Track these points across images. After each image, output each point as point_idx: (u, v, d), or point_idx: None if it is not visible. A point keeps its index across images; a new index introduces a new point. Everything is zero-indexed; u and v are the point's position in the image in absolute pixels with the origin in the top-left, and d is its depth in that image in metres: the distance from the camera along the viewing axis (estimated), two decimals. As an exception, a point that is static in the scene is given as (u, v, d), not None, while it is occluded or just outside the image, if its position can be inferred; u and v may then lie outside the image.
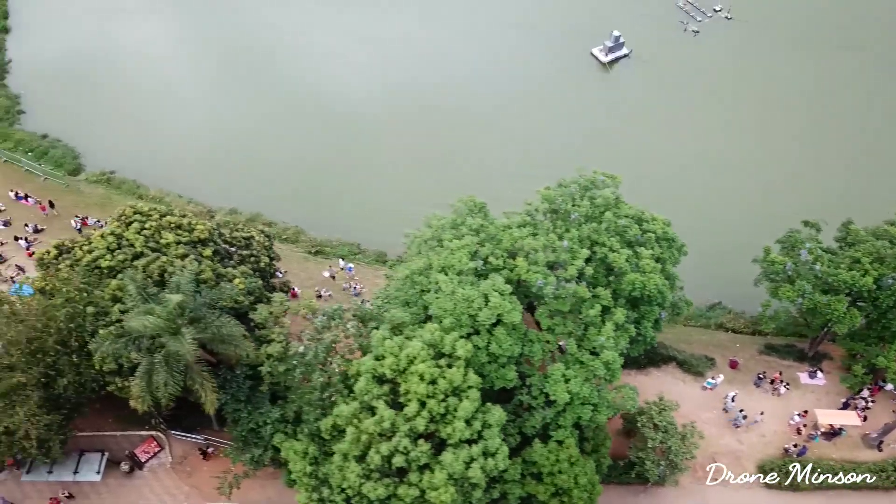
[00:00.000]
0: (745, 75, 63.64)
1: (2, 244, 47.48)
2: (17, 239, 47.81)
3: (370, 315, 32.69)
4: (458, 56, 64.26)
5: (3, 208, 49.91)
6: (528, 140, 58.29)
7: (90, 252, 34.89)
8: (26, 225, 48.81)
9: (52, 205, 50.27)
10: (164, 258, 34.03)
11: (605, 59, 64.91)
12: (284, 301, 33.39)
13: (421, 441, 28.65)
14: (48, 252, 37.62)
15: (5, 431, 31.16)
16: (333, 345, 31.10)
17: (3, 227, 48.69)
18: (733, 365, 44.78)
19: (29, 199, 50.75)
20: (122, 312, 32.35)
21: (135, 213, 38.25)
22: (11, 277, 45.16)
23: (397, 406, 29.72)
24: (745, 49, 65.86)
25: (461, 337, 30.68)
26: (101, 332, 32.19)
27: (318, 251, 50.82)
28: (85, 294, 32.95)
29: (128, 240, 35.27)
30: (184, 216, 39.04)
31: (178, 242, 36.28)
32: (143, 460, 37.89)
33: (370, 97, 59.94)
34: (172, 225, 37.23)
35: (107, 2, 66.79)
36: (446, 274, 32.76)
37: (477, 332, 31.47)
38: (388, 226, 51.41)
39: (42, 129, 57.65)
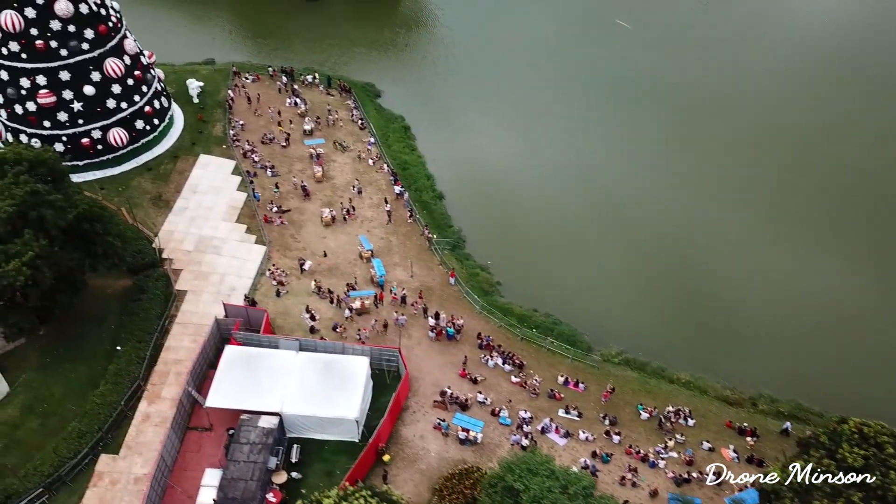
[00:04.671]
0: None
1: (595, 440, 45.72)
2: (607, 434, 45.90)
3: None
4: None
5: (562, 395, 48.39)
6: None
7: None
8: (604, 416, 47.04)
9: (613, 391, 48.69)
10: None
11: None
12: None
13: None
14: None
15: None
16: None
17: (577, 418, 46.92)
18: None
19: (580, 384, 49.25)
20: None
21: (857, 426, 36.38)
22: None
23: None
24: None
25: None
26: None
27: None
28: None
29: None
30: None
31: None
32: None
33: None
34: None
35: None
36: None
37: None
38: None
39: (521, 300, 57.34)
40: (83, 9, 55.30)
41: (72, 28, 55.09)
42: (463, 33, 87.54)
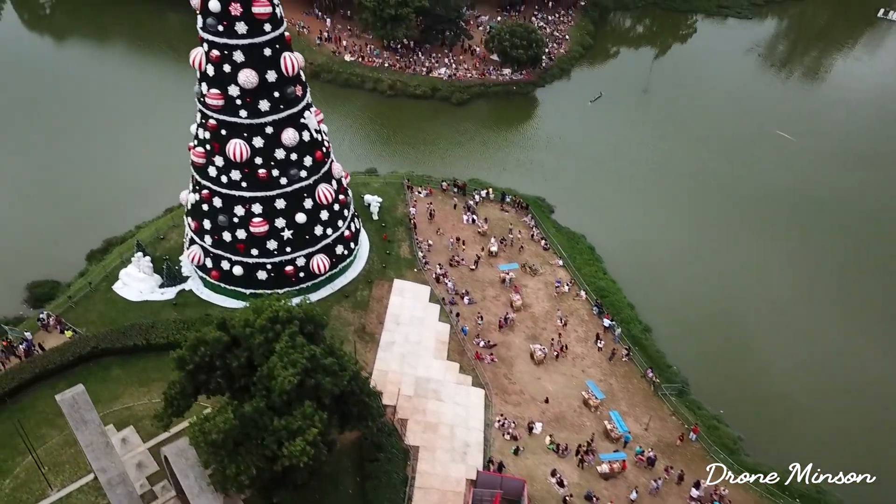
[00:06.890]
0: None
1: None
2: None
3: None
4: None
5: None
6: None
7: None
8: None
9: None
10: None
11: None
12: None
13: None
14: None
15: None
16: None
17: None
18: None
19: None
20: None
21: None
22: None
23: None
24: None
25: None
26: None
27: None
28: None
29: None
30: None
31: None
32: None
33: None
34: None
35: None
36: None
37: None
38: None
39: (768, 460, 51.21)
40: (305, 136, 53.16)
41: (294, 156, 52.77)
42: (613, 138, 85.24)
